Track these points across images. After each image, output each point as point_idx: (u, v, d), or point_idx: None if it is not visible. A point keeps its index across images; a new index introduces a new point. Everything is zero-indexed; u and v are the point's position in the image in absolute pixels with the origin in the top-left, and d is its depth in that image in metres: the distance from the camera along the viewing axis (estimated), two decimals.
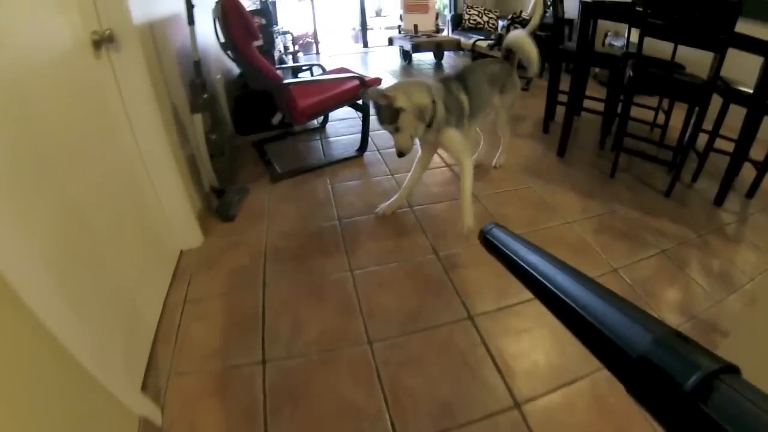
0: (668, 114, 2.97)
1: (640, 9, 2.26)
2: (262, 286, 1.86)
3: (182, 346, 1.60)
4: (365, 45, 7.44)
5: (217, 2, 2.24)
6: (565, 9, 5.17)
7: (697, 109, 2.31)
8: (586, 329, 0.30)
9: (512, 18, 4.65)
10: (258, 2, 4.72)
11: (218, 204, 2.33)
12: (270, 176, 2.69)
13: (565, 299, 0.33)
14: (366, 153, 3.03)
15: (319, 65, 3.42)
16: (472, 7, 6.68)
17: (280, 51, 4.41)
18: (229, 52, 2.48)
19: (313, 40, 7.03)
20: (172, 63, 2.14)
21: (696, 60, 2.78)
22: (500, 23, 5.84)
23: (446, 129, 2.00)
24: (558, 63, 3.25)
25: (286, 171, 2.72)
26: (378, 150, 3.11)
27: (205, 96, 2.05)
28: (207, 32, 2.58)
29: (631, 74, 2.42)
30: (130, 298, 1.50)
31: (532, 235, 2.17)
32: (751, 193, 2.57)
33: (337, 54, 7.04)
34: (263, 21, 4.14)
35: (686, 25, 2.15)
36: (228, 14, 2.25)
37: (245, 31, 2.34)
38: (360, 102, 2.85)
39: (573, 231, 2.20)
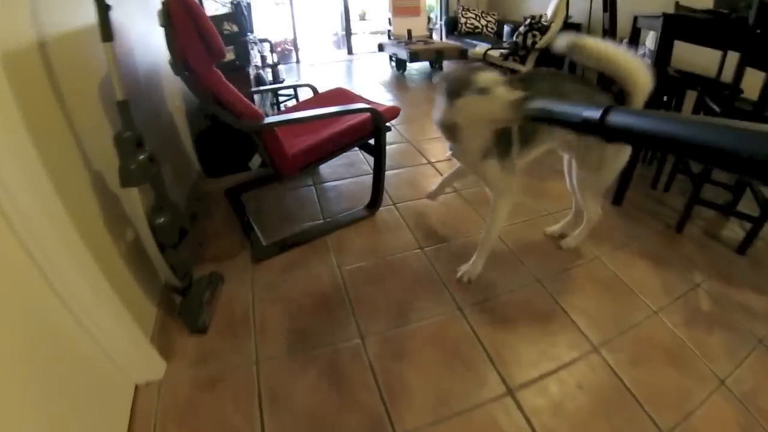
0: None
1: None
2: None
3: None
4: (350, 52, 6.72)
5: (162, 3, 1.47)
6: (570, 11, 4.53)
7: None
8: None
9: (530, 24, 3.97)
10: (229, 4, 3.91)
11: (182, 305, 1.56)
12: (252, 252, 1.91)
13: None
14: (380, 210, 2.27)
15: (309, 86, 2.62)
16: (468, 10, 6.03)
17: (256, 66, 3.61)
18: (183, 77, 1.68)
19: (292, 48, 6.26)
20: (93, 107, 1.37)
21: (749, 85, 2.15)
22: (506, 28, 5.18)
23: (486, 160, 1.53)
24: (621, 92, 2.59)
25: (273, 243, 1.93)
26: (394, 204, 2.33)
27: (141, 158, 1.27)
28: (157, 44, 1.77)
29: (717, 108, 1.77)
30: None
31: (621, 339, 1.56)
32: None
33: (320, 63, 6.28)
34: (235, 28, 3.35)
35: None
36: (175, 22, 1.47)
37: (203, 47, 1.56)
38: (372, 141, 2.05)
39: (664, 326, 1.62)
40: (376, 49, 5.79)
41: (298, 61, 6.30)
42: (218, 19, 3.20)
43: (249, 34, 3.82)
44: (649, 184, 2.57)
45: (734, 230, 2.17)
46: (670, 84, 2.43)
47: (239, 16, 3.59)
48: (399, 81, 5.09)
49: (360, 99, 2.27)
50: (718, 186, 2.39)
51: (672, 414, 1.30)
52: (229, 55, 3.27)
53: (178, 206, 1.53)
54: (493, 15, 6.01)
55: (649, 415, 1.29)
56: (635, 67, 1.42)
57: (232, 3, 3.92)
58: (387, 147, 2.17)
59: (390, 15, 5.79)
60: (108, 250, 1.32)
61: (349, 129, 1.88)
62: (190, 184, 2.42)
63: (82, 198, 1.22)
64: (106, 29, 1.15)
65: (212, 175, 2.67)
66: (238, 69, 2.98)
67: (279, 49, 6.02)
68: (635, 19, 2.60)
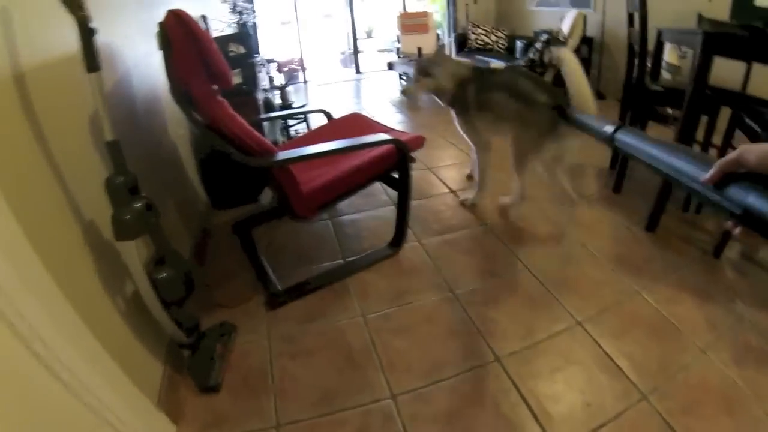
0: None
1: None
2: None
3: None
4: (358, 71, 6.60)
5: (159, 24, 1.31)
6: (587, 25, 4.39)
7: None
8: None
9: (548, 39, 3.82)
10: (234, 25, 3.77)
11: (190, 362, 1.38)
12: (266, 298, 1.72)
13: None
14: (403, 247, 2.06)
15: (323, 111, 2.44)
16: (478, 26, 5.90)
17: (264, 89, 3.46)
18: (183, 108, 1.50)
19: (299, 67, 6.14)
20: (83, 145, 1.21)
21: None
22: (518, 44, 5.05)
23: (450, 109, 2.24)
24: (643, 106, 2.42)
25: (289, 288, 1.74)
26: (418, 241, 2.13)
27: (137, 206, 1.10)
28: (158, 66, 1.59)
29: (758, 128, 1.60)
30: None
31: (670, 384, 1.38)
32: None
33: (328, 82, 6.17)
34: (241, 49, 3.21)
35: None
36: (175, 45, 1.31)
37: (207, 74, 1.39)
38: (396, 175, 1.85)
39: (714, 368, 1.44)
40: (385, 67, 5.66)
41: (305, 81, 6.19)
42: (223, 40, 3.06)
43: (256, 55, 3.68)
44: (680, 207, 2.38)
45: None
46: (705, 102, 2.26)
47: (246, 36, 3.46)
48: (410, 100, 4.95)
49: (378, 126, 2.10)
50: None
51: None
52: (236, 79, 3.12)
53: (182, 255, 1.36)
54: (503, 31, 5.88)
55: None
56: (587, 95, 1.79)
57: (237, 23, 3.80)
58: None
59: (398, 33, 5.68)
60: (105, 309, 1.16)
61: (371, 161, 1.69)
62: (196, 217, 2.26)
63: (71, 254, 1.05)
64: (92, 58, 0.98)
65: (220, 208, 2.51)
66: (246, 94, 2.82)
67: (286, 69, 5.90)
68: (659, 32, 2.46)
